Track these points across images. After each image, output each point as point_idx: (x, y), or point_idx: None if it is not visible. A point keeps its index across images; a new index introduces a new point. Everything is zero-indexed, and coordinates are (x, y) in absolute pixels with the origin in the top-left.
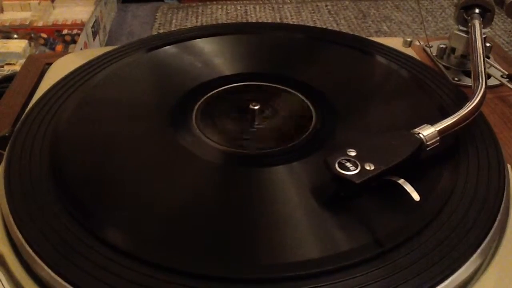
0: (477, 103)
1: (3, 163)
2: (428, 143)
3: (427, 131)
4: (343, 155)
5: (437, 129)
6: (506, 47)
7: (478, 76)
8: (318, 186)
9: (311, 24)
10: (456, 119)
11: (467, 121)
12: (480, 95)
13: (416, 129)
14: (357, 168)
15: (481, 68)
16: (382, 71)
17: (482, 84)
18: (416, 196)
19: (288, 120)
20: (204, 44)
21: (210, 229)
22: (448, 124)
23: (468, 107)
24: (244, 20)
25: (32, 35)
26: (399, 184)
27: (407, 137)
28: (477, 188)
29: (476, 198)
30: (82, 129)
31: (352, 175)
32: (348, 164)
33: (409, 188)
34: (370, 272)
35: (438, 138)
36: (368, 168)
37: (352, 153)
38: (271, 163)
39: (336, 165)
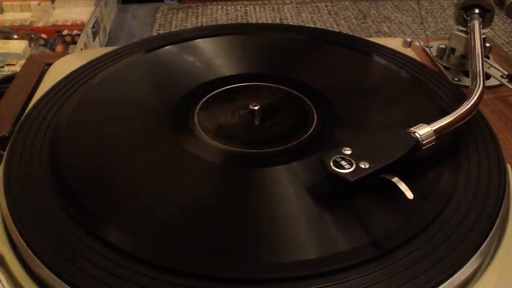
0: (474, 103)
1: (3, 163)
2: (423, 142)
3: (422, 130)
4: (338, 154)
5: (433, 128)
6: (506, 48)
7: (476, 76)
8: (318, 186)
9: (311, 24)
10: (453, 119)
11: (464, 120)
12: (478, 94)
13: (412, 128)
14: (352, 166)
15: (479, 68)
16: (382, 72)
17: (479, 83)
18: (409, 195)
19: (288, 120)
20: (205, 45)
21: (210, 229)
22: (445, 124)
23: (465, 107)
24: (244, 21)
25: (32, 35)
26: (393, 183)
27: (403, 136)
28: (477, 189)
29: (477, 198)
30: (82, 129)
31: (347, 173)
32: (343, 163)
33: (402, 186)
34: (370, 273)
35: (434, 137)
36: (363, 166)
37: (348, 151)
38: (272, 163)
39: (331, 163)
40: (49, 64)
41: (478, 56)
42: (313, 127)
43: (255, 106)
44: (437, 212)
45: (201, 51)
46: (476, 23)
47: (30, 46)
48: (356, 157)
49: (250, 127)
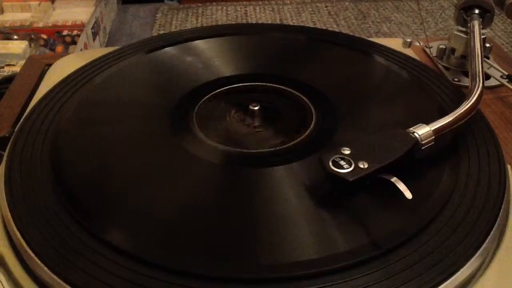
0: (473, 103)
1: (3, 164)
2: (423, 142)
3: (422, 130)
4: (337, 153)
5: (432, 128)
6: (506, 48)
7: (476, 76)
8: (318, 186)
9: (311, 25)
10: (452, 119)
11: (463, 120)
12: (477, 95)
13: (411, 128)
14: (351, 166)
15: (479, 68)
16: (382, 72)
17: (479, 84)
18: (408, 195)
19: (288, 120)
20: (205, 45)
21: (210, 229)
22: (444, 124)
23: (464, 107)
24: (244, 21)
25: (32, 36)
26: (392, 183)
27: (402, 136)
28: (477, 189)
29: (477, 198)
30: (83, 130)
31: (346, 173)
32: (342, 162)
33: (401, 186)
34: (370, 273)
35: (433, 137)
36: (361, 166)
37: (347, 151)
38: (271, 164)
39: (330, 163)
40: (49, 65)
41: (478, 56)
42: (312, 127)
43: (255, 106)
44: (436, 212)
45: (201, 51)
46: (476, 24)
47: (30, 47)
48: (355, 157)
49: (250, 127)
